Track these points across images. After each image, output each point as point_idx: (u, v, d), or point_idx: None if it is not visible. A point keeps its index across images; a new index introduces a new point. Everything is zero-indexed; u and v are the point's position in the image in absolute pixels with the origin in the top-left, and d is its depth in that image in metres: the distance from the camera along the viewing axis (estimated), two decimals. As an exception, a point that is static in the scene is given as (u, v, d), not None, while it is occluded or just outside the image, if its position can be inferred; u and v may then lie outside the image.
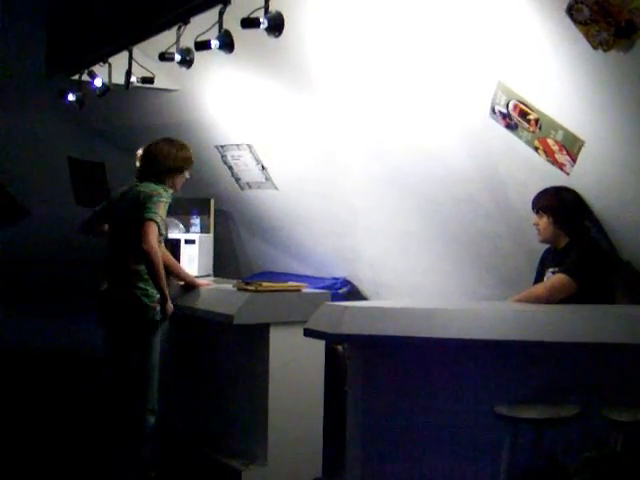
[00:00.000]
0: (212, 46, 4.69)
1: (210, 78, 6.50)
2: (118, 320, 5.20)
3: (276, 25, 4.31)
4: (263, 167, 7.02)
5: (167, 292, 5.11)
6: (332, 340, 5.16)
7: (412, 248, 6.40)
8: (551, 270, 5.00)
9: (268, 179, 7.09)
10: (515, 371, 4.22)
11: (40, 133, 8.19)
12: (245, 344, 5.60)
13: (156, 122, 7.22)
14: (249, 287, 5.45)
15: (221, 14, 4.57)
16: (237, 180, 7.46)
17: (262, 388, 5.39)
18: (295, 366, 5.42)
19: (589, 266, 4.80)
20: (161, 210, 5.09)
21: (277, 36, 4.36)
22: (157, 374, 5.19)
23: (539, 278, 5.12)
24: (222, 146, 7.21)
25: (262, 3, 4.41)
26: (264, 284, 5.49)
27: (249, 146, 6.95)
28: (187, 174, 5.41)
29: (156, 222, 5.04)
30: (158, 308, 5.11)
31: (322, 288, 6.55)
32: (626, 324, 4.07)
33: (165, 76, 6.66)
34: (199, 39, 4.78)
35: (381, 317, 4.29)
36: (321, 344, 5.43)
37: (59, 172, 8.79)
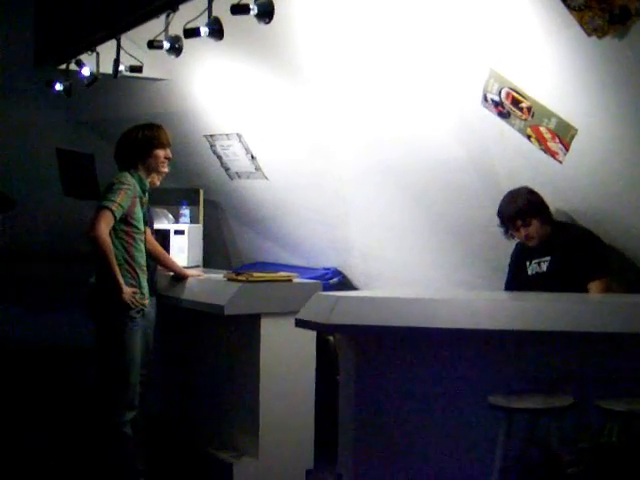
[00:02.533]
0: (202, 33, 4.62)
1: (199, 67, 6.45)
2: (98, 312, 5.16)
3: (266, 12, 4.25)
4: (253, 157, 6.97)
5: (120, 281, 4.99)
6: (324, 330, 5.11)
7: (404, 238, 6.37)
8: (536, 261, 4.99)
9: (258, 169, 7.04)
10: (509, 361, 4.19)
11: (28, 124, 8.12)
12: (236, 335, 5.55)
13: (145, 112, 7.16)
14: (240, 277, 5.41)
15: (210, 1, 4.51)
16: (226, 170, 7.40)
17: (253, 379, 5.35)
18: (286, 357, 5.38)
19: (604, 254, 4.86)
20: (120, 197, 4.99)
21: (267, 22, 4.30)
22: (137, 368, 5.12)
23: (517, 273, 5.10)
24: (211, 136, 7.16)
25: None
26: (255, 274, 5.45)
27: (239, 135, 6.89)
28: (162, 153, 5.27)
29: (110, 209, 4.94)
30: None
31: (313, 278, 6.52)
32: (620, 313, 4.04)
33: (154, 66, 6.60)
34: (188, 26, 4.72)
35: (373, 307, 4.25)
36: (312, 335, 5.39)
37: (47, 163, 8.73)
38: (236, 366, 5.56)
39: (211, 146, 7.26)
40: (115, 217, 4.97)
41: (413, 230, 6.22)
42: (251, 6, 4.23)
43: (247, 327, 5.37)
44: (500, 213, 5.02)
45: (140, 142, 5.24)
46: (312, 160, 6.49)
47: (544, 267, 4.99)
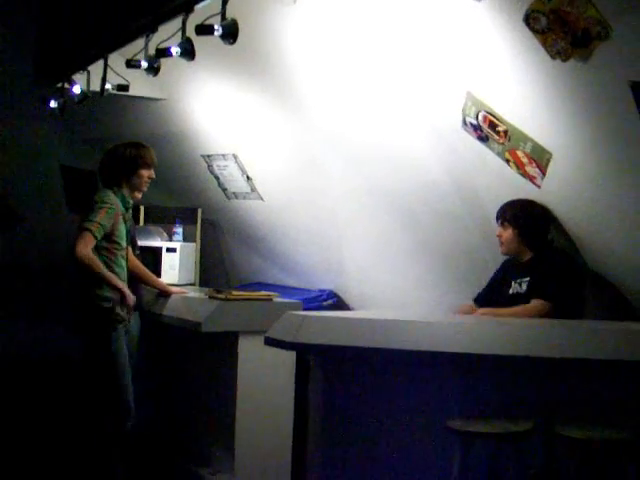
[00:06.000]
0: (173, 53, 4.69)
1: (197, 88, 6.51)
2: (83, 327, 5.21)
3: (230, 32, 4.28)
4: (248, 177, 7.00)
5: (122, 286, 5.12)
6: (290, 349, 5.09)
7: (395, 261, 6.36)
8: (518, 281, 4.95)
9: (254, 190, 7.07)
10: (471, 384, 4.17)
11: (32, 140, 8.21)
12: (214, 352, 5.58)
13: (143, 131, 7.22)
14: (219, 295, 5.44)
15: (184, 22, 4.56)
16: (224, 190, 7.44)
17: (230, 397, 5.37)
18: (264, 375, 5.39)
19: (564, 284, 4.77)
20: (100, 217, 5.07)
21: (231, 43, 4.33)
22: (128, 376, 5.18)
23: (499, 289, 5.07)
24: (208, 156, 7.20)
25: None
26: (234, 292, 5.48)
27: (234, 156, 6.93)
28: (146, 173, 5.35)
29: (89, 230, 5.02)
30: (117, 309, 5.12)
31: (307, 300, 6.52)
32: (584, 339, 3.99)
33: (152, 86, 6.67)
34: (162, 46, 4.79)
35: (339, 327, 4.26)
36: (291, 353, 5.38)
37: (52, 179, 8.82)
38: (214, 383, 5.58)
39: (208, 166, 7.30)
40: (96, 237, 5.04)
41: (403, 253, 6.21)
42: (215, 27, 4.26)
43: (225, 344, 5.39)
44: (502, 207, 5.01)
45: (126, 160, 5.32)
46: (306, 181, 6.51)
47: (524, 287, 4.96)
